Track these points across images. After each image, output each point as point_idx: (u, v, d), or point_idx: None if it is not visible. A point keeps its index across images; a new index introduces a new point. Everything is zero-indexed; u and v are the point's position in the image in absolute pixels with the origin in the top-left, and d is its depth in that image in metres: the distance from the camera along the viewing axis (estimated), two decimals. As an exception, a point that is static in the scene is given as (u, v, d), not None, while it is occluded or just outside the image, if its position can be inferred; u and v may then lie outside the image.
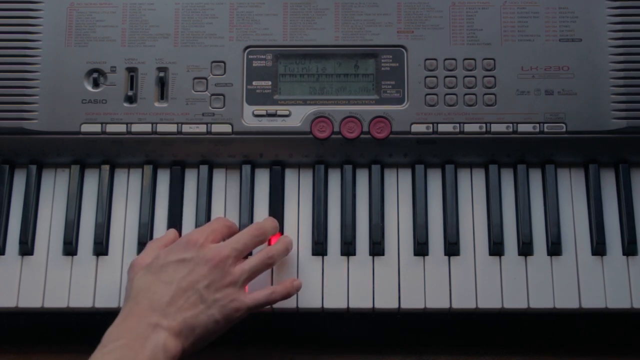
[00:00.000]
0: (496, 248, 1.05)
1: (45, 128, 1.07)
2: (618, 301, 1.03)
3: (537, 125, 1.06)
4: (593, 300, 1.03)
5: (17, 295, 1.04)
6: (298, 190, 1.09)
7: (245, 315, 0.95)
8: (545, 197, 1.07)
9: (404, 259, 1.05)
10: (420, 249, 1.05)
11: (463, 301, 1.03)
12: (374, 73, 1.08)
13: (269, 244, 1.02)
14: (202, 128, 1.07)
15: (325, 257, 1.06)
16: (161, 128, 1.07)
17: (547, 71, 1.07)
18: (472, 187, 1.08)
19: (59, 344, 1.07)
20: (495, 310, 1.03)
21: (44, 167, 1.09)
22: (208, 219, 1.07)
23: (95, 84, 1.08)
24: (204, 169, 1.09)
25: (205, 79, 1.08)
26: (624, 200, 1.06)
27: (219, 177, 1.09)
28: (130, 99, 1.08)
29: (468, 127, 1.06)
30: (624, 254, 1.05)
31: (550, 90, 1.07)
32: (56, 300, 1.04)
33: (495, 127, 1.06)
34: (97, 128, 1.07)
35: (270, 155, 1.09)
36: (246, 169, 1.09)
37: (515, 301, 1.03)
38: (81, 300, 1.04)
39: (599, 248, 1.05)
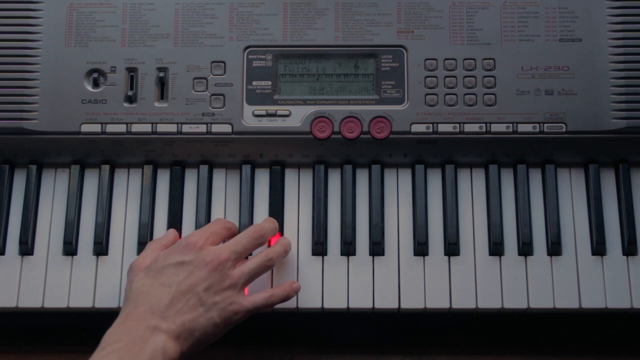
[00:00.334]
0: (496, 248, 1.05)
1: (45, 128, 1.07)
2: (618, 301, 1.03)
3: (537, 125, 1.06)
4: (593, 300, 1.03)
5: (17, 295, 1.04)
6: (298, 190, 1.09)
7: (244, 318, 0.95)
8: (545, 197, 1.07)
9: (404, 259, 1.05)
10: (420, 249, 1.05)
11: (463, 301, 1.03)
12: (374, 73, 1.08)
13: (269, 245, 1.02)
14: (202, 128, 1.07)
15: (325, 257, 1.06)
16: (161, 128, 1.07)
17: (547, 71, 1.07)
18: (472, 187, 1.08)
19: (59, 344, 1.07)
20: (495, 310, 1.03)
21: (44, 167, 1.09)
22: (208, 219, 1.07)
23: (95, 84, 1.08)
24: (204, 169, 1.09)
25: (205, 79, 1.08)
26: (624, 200, 1.06)
27: (219, 177, 1.09)
28: (130, 99, 1.08)
29: (468, 127, 1.06)
30: (624, 254, 1.05)
31: (550, 90, 1.07)
32: (56, 300, 1.04)
33: (495, 127, 1.06)
34: (97, 128, 1.07)
35: (270, 155, 1.09)
36: (246, 169, 1.09)
37: (515, 301, 1.03)
38: (81, 300, 1.04)
39: (599, 248, 1.05)
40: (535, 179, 1.08)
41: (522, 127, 1.06)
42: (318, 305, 1.03)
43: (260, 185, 1.09)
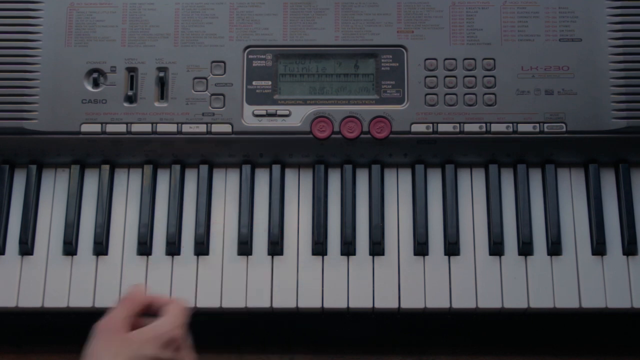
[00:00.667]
0: (496, 248, 1.05)
1: (45, 128, 1.07)
2: (618, 301, 1.03)
3: (537, 125, 1.06)
4: (593, 300, 1.03)
5: (17, 295, 1.04)
6: (298, 190, 1.09)
7: None
8: (545, 197, 1.07)
9: (404, 258, 1.05)
10: (420, 248, 1.05)
11: (463, 301, 1.03)
12: (374, 73, 1.08)
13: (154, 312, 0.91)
14: (202, 128, 1.07)
15: (325, 257, 1.05)
16: (161, 128, 1.07)
17: (547, 71, 1.07)
18: (472, 187, 1.08)
19: (59, 344, 1.07)
20: (495, 310, 1.03)
21: (44, 167, 1.09)
22: (208, 219, 1.07)
23: (95, 84, 1.08)
24: (204, 169, 1.09)
25: (205, 79, 1.08)
26: (624, 200, 1.06)
27: (219, 177, 1.09)
28: (130, 99, 1.08)
29: (468, 127, 1.06)
30: (624, 254, 1.05)
31: (550, 90, 1.07)
32: (56, 300, 1.04)
33: (495, 127, 1.06)
34: (97, 128, 1.07)
35: (270, 155, 1.09)
36: (246, 169, 1.09)
37: (515, 301, 1.03)
38: (81, 300, 1.04)
39: (599, 248, 1.05)
40: (535, 178, 1.08)
41: (522, 127, 1.06)
42: (318, 305, 1.03)
43: (260, 185, 1.09)
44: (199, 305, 1.03)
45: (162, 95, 1.08)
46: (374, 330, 1.08)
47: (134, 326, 0.86)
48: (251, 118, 1.07)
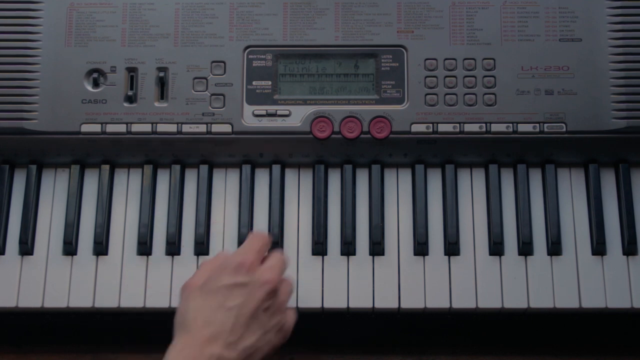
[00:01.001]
0: (496, 248, 1.05)
1: (45, 128, 1.07)
2: (618, 301, 1.03)
3: (537, 125, 1.06)
4: (593, 300, 1.03)
5: (17, 295, 1.04)
6: (298, 190, 1.09)
7: None
8: (545, 197, 1.07)
9: (404, 258, 1.05)
10: (420, 248, 1.05)
11: (463, 301, 1.03)
12: (373, 73, 1.08)
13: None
14: (202, 128, 1.07)
15: (325, 257, 1.05)
16: (161, 128, 1.07)
17: (547, 71, 1.07)
18: (472, 187, 1.08)
19: (59, 344, 1.07)
20: (495, 310, 1.03)
21: (44, 167, 1.09)
22: (208, 219, 1.07)
23: (95, 84, 1.08)
24: (204, 169, 1.09)
25: (205, 79, 1.08)
26: (624, 200, 1.06)
27: (219, 177, 1.09)
28: (130, 99, 1.08)
29: (468, 127, 1.06)
30: (624, 254, 1.05)
31: (550, 90, 1.07)
32: (56, 300, 1.04)
33: (495, 127, 1.06)
34: (97, 128, 1.07)
35: (270, 155, 1.09)
36: (246, 169, 1.09)
37: (515, 301, 1.03)
38: (81, 300, 1.04)
39: (599, 248, 1.05)
40: (535, 178, 1.08)
41: (522, 127, 1.06)
42: (318, 305, 1.03)
43: (260, 185, 1.09)
44: (199, 305, 1.03)
45: (162, 95, 1.08)
46: (374, 330, 1.08)
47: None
48: (251, 118, 1.07)
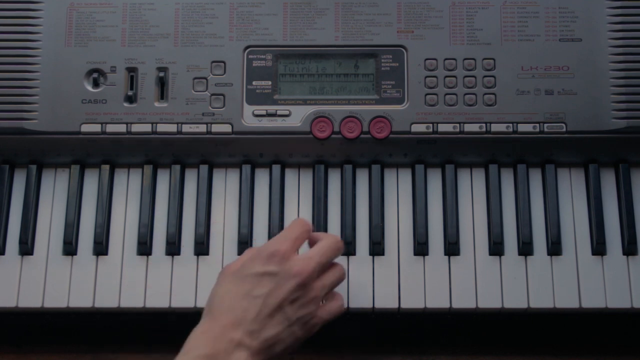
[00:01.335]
0: (496, 248, 1.05)
1: (45, 128, 1.07)
2: (618, 301, 1.03)
3: (537, 125, 1.06)
4: (593, 300, 1.03)
5: (17, 295, 1.04)
6: (298, 190, 1.09)
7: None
8: (545, 197, 1.07)
9: (404, 258, 1.05)
10: (420, 248, 1.05)
11: (463, 301, 1.03)
12: (373, 73, 1.08)
13: (310, 246, 0.98)
14: (202, 128, 1.07)
15: (325, 257, 1.05)
16: (161, 128, 1.07)
17: (547, 71, 1.07)
18: (472, 187, 1.08)
19: (59, 344, 1.07)
20: (495, 310, 1.03)
21: (44, 167, 1.09)
22: (208, 219, 1.07)
23: (95, 84, 1.08)
24: (204, 169, 1.09)
25: (205, 79, 1.08)
26: (624, 200, 1.06)
27: (219, 177, 1.09)
28: (130, 99, 1.08)
29: (468, 127, 1.06)
30: (624, 254, 1.05)
31: (550, 90, 1.07)
32: (56, 300, 1.04)
33: (495, 127, 1.06)
34: (97, 128, 1.07)
35: (270, 155, 1.09)
36: (246, 169, 1.09)
37: (515, 301, 1.03)
38: (81, 300, 1.03)
39: (599, 248, 1.05)
40: (535, 178, 1.08)
41: (522, 127, 1.06)
42: (318, 305, 1.03)
43: (260, 185, 1.09)
44: (200, 305, 1.03)
45: (162, 95, 1.08)
46: (374, 330, 1.08)
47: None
48: (251, 118, 1.07)
